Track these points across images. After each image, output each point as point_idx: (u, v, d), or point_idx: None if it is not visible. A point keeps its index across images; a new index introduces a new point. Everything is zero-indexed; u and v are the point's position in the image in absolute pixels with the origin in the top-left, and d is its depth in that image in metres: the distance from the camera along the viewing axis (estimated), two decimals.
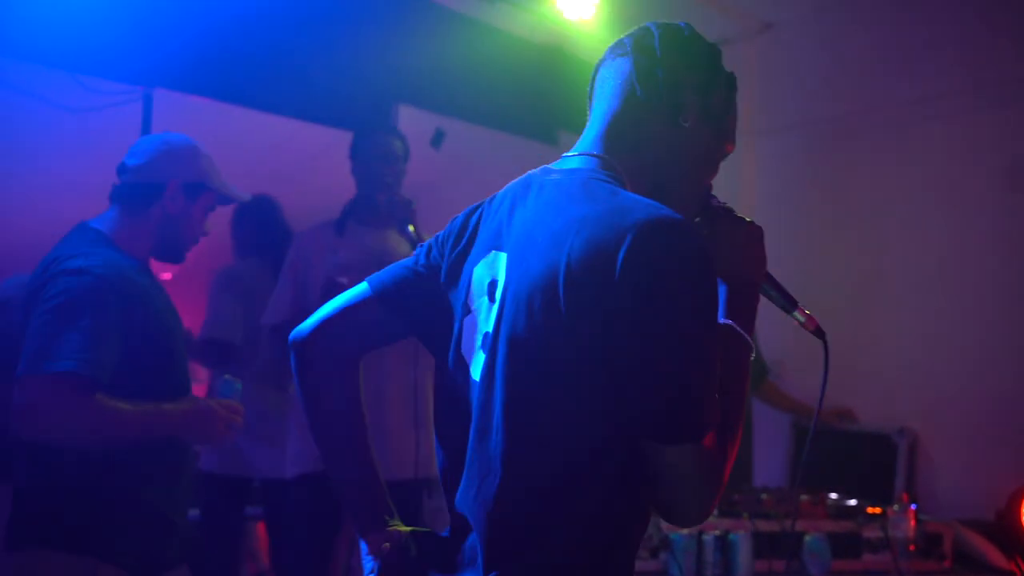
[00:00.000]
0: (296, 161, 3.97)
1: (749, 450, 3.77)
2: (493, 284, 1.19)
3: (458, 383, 1.23)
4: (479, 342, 1.19)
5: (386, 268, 1.35)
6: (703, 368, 1.05)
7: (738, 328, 1.21)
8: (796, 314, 1.38)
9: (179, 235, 2.05)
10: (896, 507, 2.78)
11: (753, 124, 4.16)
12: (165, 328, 1.95)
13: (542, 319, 1.09)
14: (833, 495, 2.95)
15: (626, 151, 1.25)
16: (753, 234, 1.32)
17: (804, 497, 2.85)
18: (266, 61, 3.54)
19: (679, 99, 1.24)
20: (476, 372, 1.19)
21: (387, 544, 1.27)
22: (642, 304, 1.04)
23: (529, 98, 4.34)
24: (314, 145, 3.90)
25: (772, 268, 1.39)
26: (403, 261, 1.36)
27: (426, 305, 1.30)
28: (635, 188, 1.21)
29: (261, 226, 3.38)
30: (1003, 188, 3.48)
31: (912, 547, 2.76)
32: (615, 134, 1.27)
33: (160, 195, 2.00)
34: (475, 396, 1.18)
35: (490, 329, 1.17)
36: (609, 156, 1.25)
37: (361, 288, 1.33)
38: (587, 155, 1.26)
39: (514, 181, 1.32)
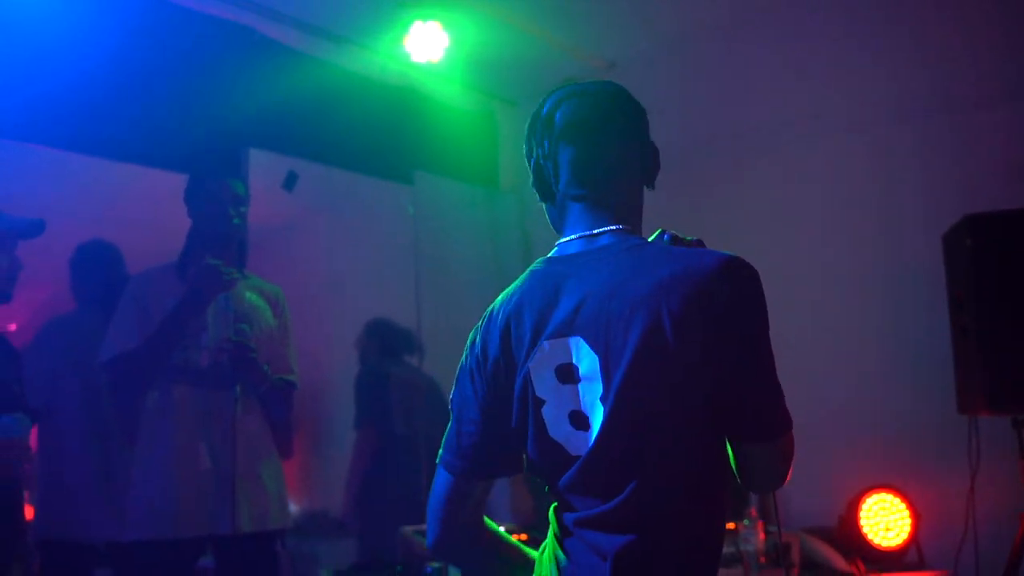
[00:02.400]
0: (144, 207, 3.85)
1: None
2: (570, 367, 1.35)
3: (555, 460, 1.39)
4: (591, 409, 1.34)
5: (449, 438, 1.48)
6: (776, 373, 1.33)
7: None
8: None
9: None
10: (746, 522, 2.91)
11: None
12: None
13: (656, 365, 1.28)
14: None
15: (635, 217, 1.48)
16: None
17: None
18: (112, 108, 3.42)
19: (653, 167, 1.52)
20: (591, 438, 1.34)
21: None
22: (745, 328, 1.30)
23: (383, 139, 4.35)
24: (163, 190, 3.79)
25: None
26: (459, 421, 1.47)
27: (501, 441, 1.46)
28: None
29: (100, 273, 3.26)
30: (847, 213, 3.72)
31: (763, 559, 2.90)
32: (623, 204, 1.46)
33: None
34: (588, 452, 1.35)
35: (598, 396, 1.33)
36: (624, 224, 1.44)
37: (446, 479, 1.48)
38: (611, 231, 1.42)
39: (520, 282, 1.45)
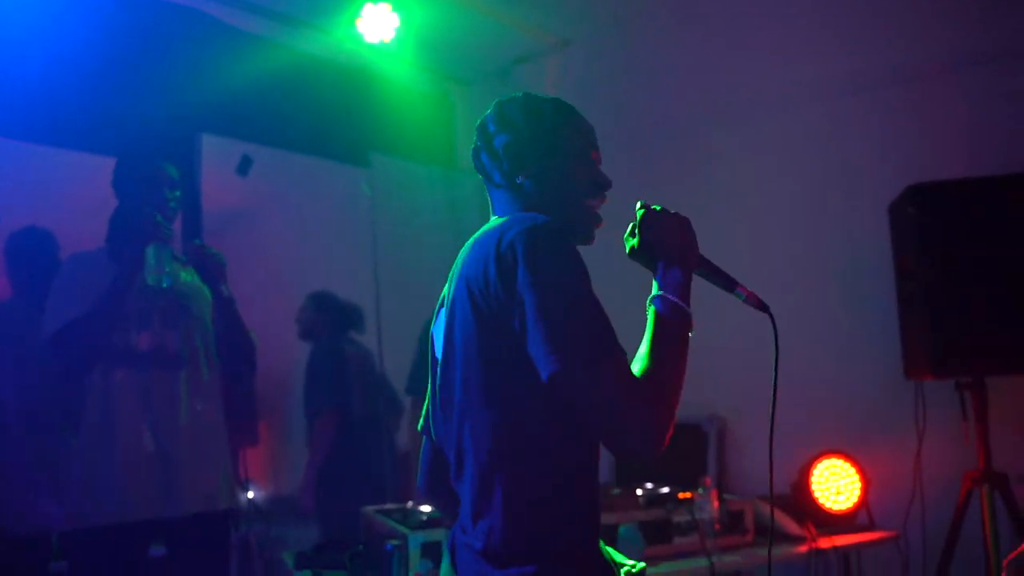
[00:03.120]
0: (89, 196, 3.81)
1: None
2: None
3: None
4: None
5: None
6: (574, 317, 1.31)
7: (668, 295, 1.44)
8: (738, 292, 1.57)
9: None
10: (700, 491, 2.97)
11: None
12: None
13: (472, 320, 1.39)
14: (648, 485, 3.10)
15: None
16: (679, 222, 1.52)
17: (616, 491, 2.99)
18: (57, 95, 3.39)
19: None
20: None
21: None
22: (527, 281, 1.32)
23: (338, 121, 4.34)
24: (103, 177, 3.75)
25: None
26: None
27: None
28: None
29: (34, 259, 3.22)
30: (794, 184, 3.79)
31: (718, 526, 2.96)
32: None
33: None
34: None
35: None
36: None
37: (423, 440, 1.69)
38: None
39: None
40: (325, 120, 4.29)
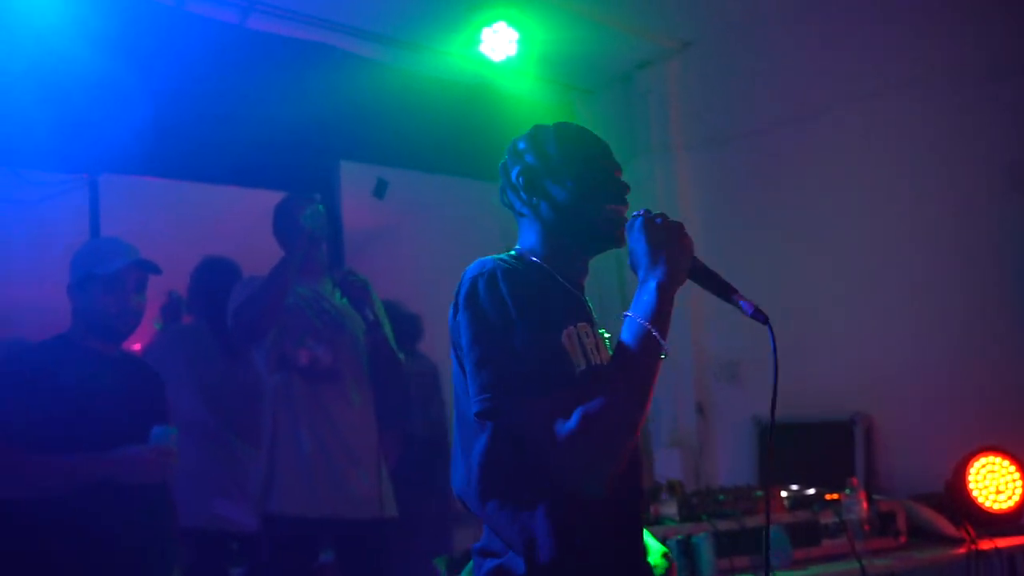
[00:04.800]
0: (244, 227, 4.08)
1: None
2: None
3: None
4: None
5: None
6: (491, 357, 1.37)
7: (638, 318, 1.40)
8: (735, 299, 1.46)
9: (99, 321, 2.45)
10: (848, 491, 2.91)
11: (678, 139, 4.35)
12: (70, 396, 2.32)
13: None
14: (794, 487, 3.06)
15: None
16: (668, 231, 1.47)
17: (759, 493, 2.97)
18: (207, 135, 3.65)
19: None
20: None
21: None
22: (461, 316, 1.43)
23: (466, 139, 4.46)
24: (262, 209, 4.01)
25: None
26: None
27: None
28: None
29: (217, 284, 3.48)
30: (928, 184, 3.66)
31: (867, 527, 2.89)
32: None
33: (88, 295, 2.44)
34: None
35: None
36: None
37: None
38: None
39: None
40: (453, 139, 4.41)
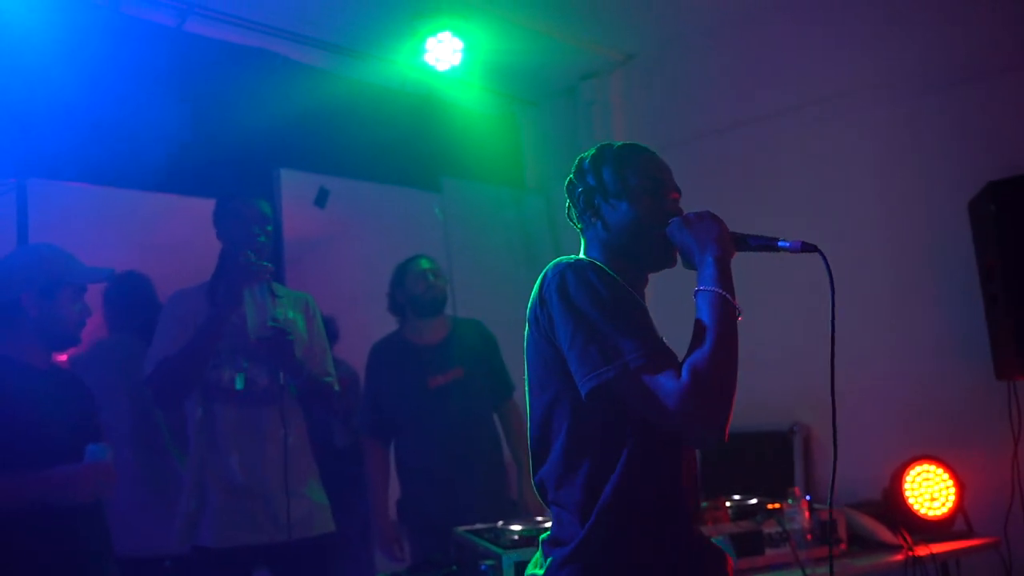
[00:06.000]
0: (182, 234, 3.97)
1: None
2: None
3: None
4: None
5: None
6: (594, 329, 1.48)
7: (704, 287, 1.57)
8: (780, 247, 1.66)
9: (51, 330, 2.35)
10: (790, 501, 2.94)
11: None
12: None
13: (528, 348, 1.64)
14: (736, 496, 3.08)
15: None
16: (700, 219, 1.66)
17: (704, 504, 2.98)
18: (142, 140, 3.54)
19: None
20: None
21: None
22: (554, 308, 1.54)
23: (408, 149, 4.44)
24: (201, 216, 3.91)
25: None
26: None
27: None
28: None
29: (131, 300, 3.39)
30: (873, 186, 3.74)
31: (809, 536, 2.92)
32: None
33: (19, 307, 2.30)
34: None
35: None
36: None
37: None
38: None
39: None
40: (396, 148, 4.38)
